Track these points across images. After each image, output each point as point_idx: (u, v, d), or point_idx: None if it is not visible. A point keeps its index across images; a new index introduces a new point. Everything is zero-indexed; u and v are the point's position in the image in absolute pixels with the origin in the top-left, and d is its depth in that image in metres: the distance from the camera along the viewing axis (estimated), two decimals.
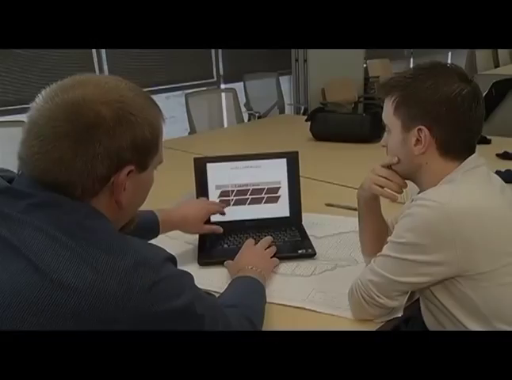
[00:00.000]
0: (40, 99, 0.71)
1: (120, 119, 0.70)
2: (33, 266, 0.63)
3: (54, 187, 0.69)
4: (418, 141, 0.98)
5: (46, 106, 0.69)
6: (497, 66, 6.06)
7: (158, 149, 0.78)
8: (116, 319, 0.65)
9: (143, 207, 0.90)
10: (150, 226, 1.24)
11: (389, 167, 1.07)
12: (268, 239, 1.31)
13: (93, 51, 3.91)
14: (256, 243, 1.28)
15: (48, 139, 0.68)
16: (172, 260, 0.74)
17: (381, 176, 1.07)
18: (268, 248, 1.28)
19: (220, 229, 1.37)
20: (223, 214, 1.41)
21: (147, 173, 0.77)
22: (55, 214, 0.68)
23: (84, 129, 0.68)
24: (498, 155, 2.11)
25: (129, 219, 0.85)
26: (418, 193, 1.03)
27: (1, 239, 0.66)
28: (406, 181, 1.09)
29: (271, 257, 1.26)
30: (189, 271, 0.80)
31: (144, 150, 0.74)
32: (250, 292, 1.04)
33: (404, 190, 1.56)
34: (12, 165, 0.84)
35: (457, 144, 0.97)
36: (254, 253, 1.22)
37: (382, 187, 1.08)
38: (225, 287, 1.08)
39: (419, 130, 0.97)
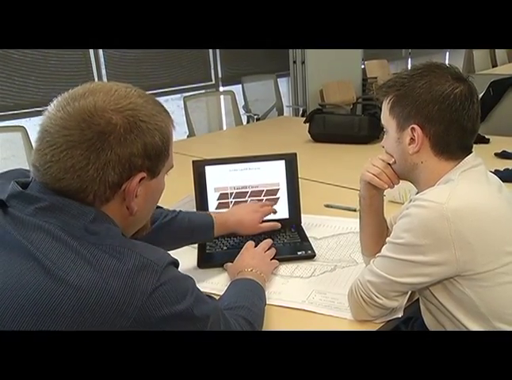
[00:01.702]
0: (51, 108, 0.72)
1: (131, 126, 0.71)
2: (40, 264, 0.65)
3: (65, 193, 0.70)
4: (412, 140, 0.99)
5: (58, 114, 0.70)
6: (494, 65, 6.06)
7: (169, 154, 0.79)
8: (116, 321, 0.65)
9: None
10: (206, 228, 1.28)
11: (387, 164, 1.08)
12: (268, 241, 1.31)
13: (92, 54, 3.91)
14: (256, 245, 1.29)
15: (61, 148, 0.69)
16: (175, 263, 0.75)
17: (375, 166, 1.09)
18: (268, 250, 1.28)
19: (278, 225, 1.42)
20: (275, 213, 1.44)
21: (157, 179, 0.78)
22: (62, 217, 0.69)
23: (95, 137, 0.69)
24: (496, 154, 2.12)
25: (143, 225, 0.86)
26: (416, 194, 1.03)
27: (11, 238, 0.68)
28: (406, 182, 1.10)
29: (271, 259, 1.26)
30: (188, 273, 0.81)
31: (155, 157, 0.75)
32: (250, 294, 1.04)
33: (403, 190, 1.58)
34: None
35: (451, 143, 0.98)
36: (253, 255, 1.23)
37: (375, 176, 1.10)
38: (224, 289, 1.08)
39: (412, 128, 0.98)
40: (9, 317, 0.63)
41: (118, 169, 0.70)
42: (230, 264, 1.24)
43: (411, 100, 0.98)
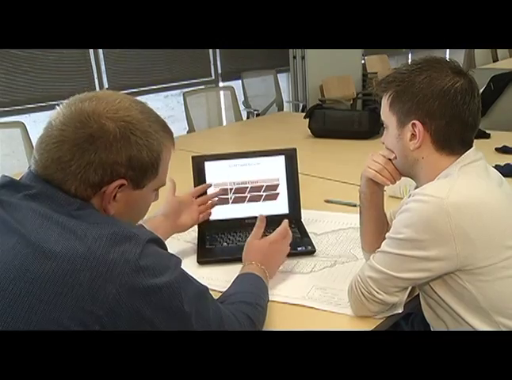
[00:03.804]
0: (62, 104, 0.79)
1: (121, 136, 0.75)
2: (25, 240, 0.69)
3: (51, 182, 0.75)
4: (412, 136, 0.99)
5: (63, 111, 0.77)
6: (495, 60, 6.04)
7: (158, 173, 0.82)
8: (104, 287, 0.67)
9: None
10: None
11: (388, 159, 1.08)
12: (286, 224, 1.25)
13: (91, 51, 3.89)
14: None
15: (54, 140, 0.75)
16: (158, 242, 0.77)
17: (377, 162, 1.09)
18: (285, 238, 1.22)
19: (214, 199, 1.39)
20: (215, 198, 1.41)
21: (142, 192, 0.82)
22: (48, 203, 0.74)
23: (85, 137, 0.74)
24: (497, 149, 2.11)
25: None
26: (415, 188, 1.03)
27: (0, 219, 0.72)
28: (406, 178, 1.09)
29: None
30: (188, 270, 0.81)
31: (140, 170, 0.79)
32: (254, 290, 1.03)
33: (403, 185, 1.57)
34: (10, 166, 0.85)
35: (452, 138, 0.97)
36: (266, 252, 1.16)
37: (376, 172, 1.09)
38: (225, 286, 1.07)
39: (413, 124, 0.97)
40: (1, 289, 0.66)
41: (99, 171, 0.75)
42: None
43: (411, 96, 0.97)
